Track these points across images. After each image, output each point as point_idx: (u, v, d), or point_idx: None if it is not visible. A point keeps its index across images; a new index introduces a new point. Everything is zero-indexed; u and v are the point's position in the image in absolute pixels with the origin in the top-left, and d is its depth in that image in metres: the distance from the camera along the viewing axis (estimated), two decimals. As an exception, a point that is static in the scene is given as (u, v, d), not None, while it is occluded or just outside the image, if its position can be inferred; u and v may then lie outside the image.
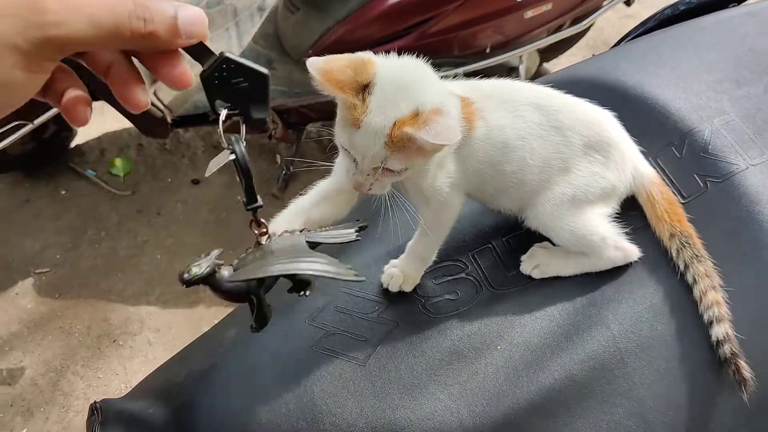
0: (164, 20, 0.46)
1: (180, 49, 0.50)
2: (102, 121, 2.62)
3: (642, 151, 0.86)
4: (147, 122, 2.18)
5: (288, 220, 0.82)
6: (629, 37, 1.21)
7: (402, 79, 0.69)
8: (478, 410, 0.75)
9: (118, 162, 2.47)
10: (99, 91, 2.15)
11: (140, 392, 0.86)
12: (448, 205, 0.82)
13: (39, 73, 0.44)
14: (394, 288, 0.85)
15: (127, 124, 2.31)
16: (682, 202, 0.86)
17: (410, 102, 0.68)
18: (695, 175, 0.87)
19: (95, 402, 0.83)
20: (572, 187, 0.81)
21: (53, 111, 2.15)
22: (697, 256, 0.79)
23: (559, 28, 2.21)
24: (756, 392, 0.73)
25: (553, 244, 0.85)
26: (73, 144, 2.53)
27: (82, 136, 2.56)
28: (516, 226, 0.89)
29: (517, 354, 0.79)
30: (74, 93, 0.52)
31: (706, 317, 0.77)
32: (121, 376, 1.94)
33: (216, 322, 0.97)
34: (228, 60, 0.52)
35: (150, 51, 0.49)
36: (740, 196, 0.84)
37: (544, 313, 0.82)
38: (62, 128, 2.38)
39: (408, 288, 0.85)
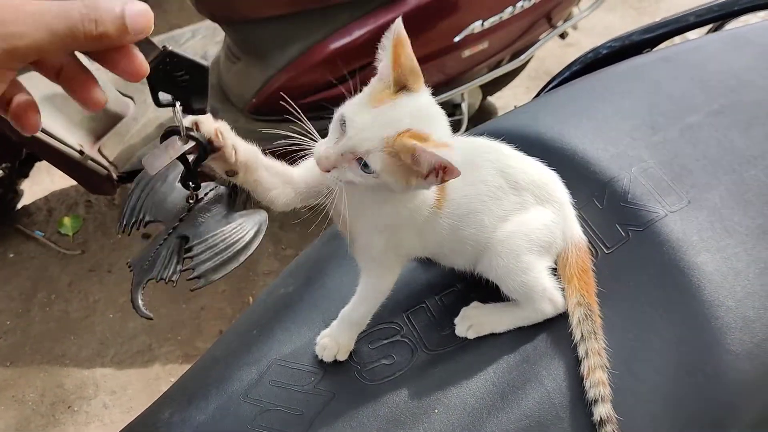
0: (113, 19, 0.49)
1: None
2: (49, 180, 2.58)
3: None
4: (93, 180, 2.16)
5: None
6: (553, 83, 1.24)
7: (431, 110, 0.70)
8: (418, 478, 0.75)
9: (67, 221, 2.43)
10: (41, 153, 2.12)
11: None
12: (392, 271, 0.83)
13: (0, 83, 0.47)
14: (328, 358, 0.84)
15: (74, 181, 2.28)
16: (606, 252, 0.87)
17: (429, 127, 0.68)
18: (617, 225, 0.88)
19: None
20: (527, 239, 0.82)
21: (-5, 175, 2.12)
22: (595, 332, 0.80)
23: (498, 64, 2.25)
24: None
25: (483, 302, 0.86)
26: (19, 205, 2.48)
27: (29, 196, 2.51)
28: (449, 283, 0.90)
29: (454, 417, 0.79)
30: (23, 98, 0.54)
31: (591, 394, 0.77)
32: (78, 444, 1.89)
33: (172, 380, 0.95)
34: (171, 54, 0.55)
35: (102, 49, 0.51)
36: (662, 243, 0.85)
37: (480, 372, 0.82)
38: (7, 191, 2.33)
39: (342, 357, 0.84)
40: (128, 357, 2.08)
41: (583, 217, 0.89)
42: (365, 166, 0.68)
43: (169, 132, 0.62)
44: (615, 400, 0.78)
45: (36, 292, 2.26)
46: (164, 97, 0.59)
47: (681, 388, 0.78)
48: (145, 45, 0.54)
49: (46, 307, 2.22)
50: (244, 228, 0.65)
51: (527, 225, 0.82)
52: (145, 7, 0.51)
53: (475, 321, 0.85)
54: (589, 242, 0.88)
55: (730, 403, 0.77)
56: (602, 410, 0.76)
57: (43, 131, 1.96)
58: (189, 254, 0.61)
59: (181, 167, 0.67)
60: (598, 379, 0.77)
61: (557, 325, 0.84)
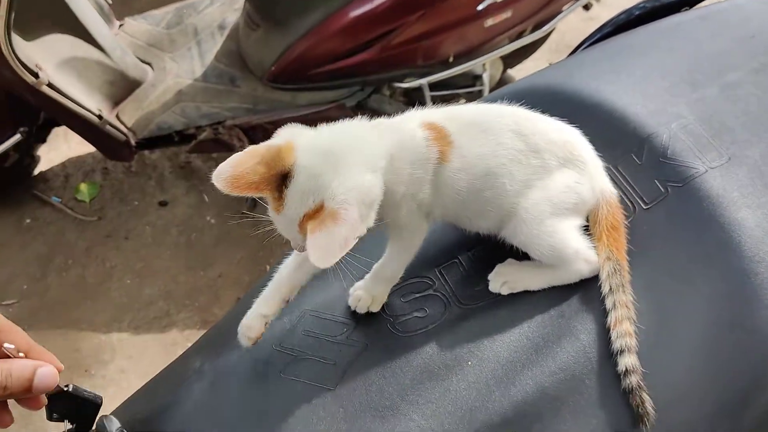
0: (21, 383, 0.61)
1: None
2: (66, 146, 2.58)
3: (602, 159, 0.86)
4: (111, 146, 2.16)
5: (267, 305, 0.83)
6: (585, 44, 1.22)
7: (318, 165, 0.69)
8: (451, 428, 0.75)
9: (84, 187, 2.43)
10: (60, 117, 2.12)
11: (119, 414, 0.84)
12: (419, 230, 0.83)
13: None
14: (362, 310, 0.84)
15: (91, 148, 2.27)
16: (644, 208, 0.86)
17: (318, 194, 0.67)
18: (656, 181, 0.87)
19: None
20: (550, 204, 0.81)
21: (14, 139, 2.11)
22: (623, 286, 0.80)
23: (520, 35, 2.22)
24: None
25: (518, 259, 0.85)
26: (36, 171, 2.48)
27: (46, 162, 2.51)
28: (481, 239, 0.89)
29: (487, 369, 0.78)
30: None
31: (617, 345, 0.77)
32: (95, 406, 1.90)
33: (190, 345, 0.96)
34: (68, 392, 0.70)
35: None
36: (701, 199, 0.84)
37: (513, 326, 0.81)
38: (24, 156, 2.33)
39: (375, 308, 0.84)
40: (145, 322, 2.08)
41: (621, 173, 0.88)
42: None
43: None
44: (652, 355, 0.77)
45: (53, 257, 2.27)
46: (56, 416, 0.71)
47: (719, 344, 0.78)
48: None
49: (63, 272, 2.23)
50: None
51: (550, 189, 0.81)
52: (52, 369, 0.65)
53: (509, 277, 0.84)
54: (627, 198, 0.87)
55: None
56: (627, 361, 0.75)
57: (63, 95, 1.95)
58: None
59: None
60: (624, 330, 0.77)
61: (593, 282, 0.83)
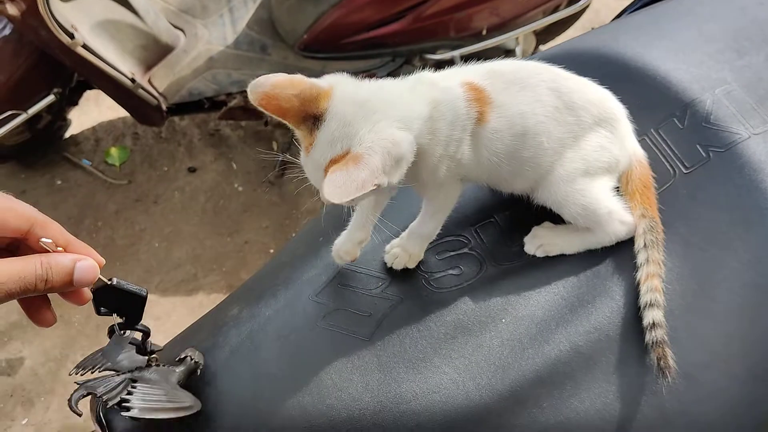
0: (62, 277, 0.60)
1: None
2: (97, 111, 2.60)
3: (645, 123, 0.86)
4: (142, 110, 2.17)
5: (361, 230, 0.85)
6: (630, 10, 1.21)
7: (351, 114, 0.69)
8: (483, 382, 0.75)
9: (114, 151, 2.46)
10: (93, 79, 2.14)
11: (145, 373, 0.86)
12: (454, 192, 0.83)
13: None
14: (398, 267, 0.84)
15: (122, 113, 2.30)
16: (685, 172, 0.85)
17: (346, 141, 0.68)
18: (698, 146, 0.86)
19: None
20: (583, 162, 0.81)
21: (48, 100, 2.14)
22: (657, 243, 0.80)
23: (555, 9, 2.20)
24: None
25: (554, 223, 0.85)
26: (67, 134, 2.51)
27: (77, 125, 2.54)
28: (518, 199, 0.89)
29: (521, 327, 0.79)
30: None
31: (645, 298, 0.77)
32: (122, 364, 1.94)
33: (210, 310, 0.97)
34: (113, 287, 0.70)
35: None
36: (743, 165, 0.83)
37: (548, 286, 0.81)
38: (57, 118, 2.36)
39: (411, 265, 0.84)
40: (173, 285, 2.11)
41: (663, 137, 0.88)
42: None
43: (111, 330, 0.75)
44: (687, 317, 0.77)
45: (83, 218, 2.30)
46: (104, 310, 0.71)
47: (755, 309, 0.77)
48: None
49: (93, 233, 2.26)
50: (184, 399, 0.76)
51: (584, 148, 0.81)
52: (93, 263, 0.63)
53: (545, 240, 0.84)
54: (668, 162, 0.86)
55: (806, 325, 0.76)
56: (655, 314, 0.76)
57: (98, 56, 1.97)
58: (132, 389, 0.72)
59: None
60: (654, 286, 0.77)
61: (629, 243, 0.82)
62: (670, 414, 0.74)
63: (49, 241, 0.61)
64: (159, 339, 1.91)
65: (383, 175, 0.67)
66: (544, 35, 2.38)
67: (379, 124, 0.69)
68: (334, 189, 0.64)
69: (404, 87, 0.76)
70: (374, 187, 0.65)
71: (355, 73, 2.30)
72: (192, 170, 2.41)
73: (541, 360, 0.76)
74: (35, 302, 0.65)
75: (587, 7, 2.26)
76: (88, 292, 0.67)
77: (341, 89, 0.71)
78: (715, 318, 0.78)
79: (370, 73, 2.13)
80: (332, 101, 0.69)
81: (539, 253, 0.84)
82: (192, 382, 0.79)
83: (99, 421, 0.79)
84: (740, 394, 0.75)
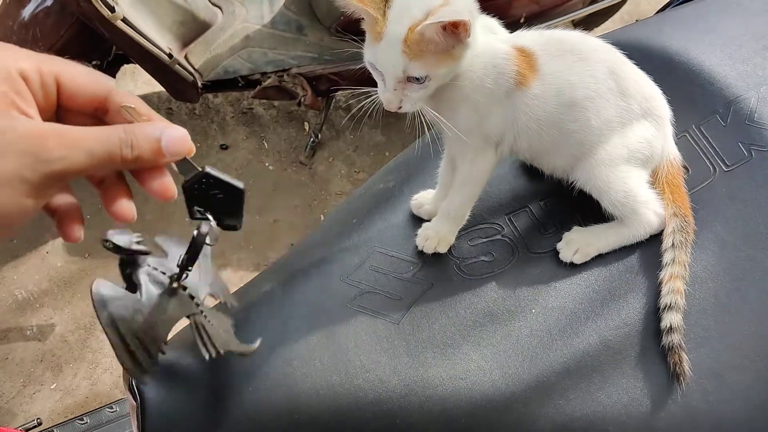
0: (150, 145, 0.52)
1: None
2: (133, 85, 2.63)
3: (687, 119, 0.85)
4: (178, 86, 2.19)
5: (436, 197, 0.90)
6: (674, 3, 1.19)
7: None
8: (511, 371, 0.76)
9: (148, 126, 2.48)
10: (131, 53, 2.15)
11: (176, 343, 0.87)
12: (484, 157, 0.82)
13: (45, 198, 0.50)
14: (429, 250, 0.85)
15: (157, 88, 2.31)
16: (725, 170, 0.84)
17: (423, 6, 0.70)
18: (740, 144, 0.85)
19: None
20: (627, 150, 0.81)
21: (86, 72, 2.16)
22: (686, 244, 0.79)
23: (595, 0, 2.17)
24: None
25: (583, 225, 0.85)
26: (103, 107, 2.54)
27: (113, 99, 2.57)
28: (553, 190, 0.89)
29: (551, 318, 0.79)
30: (66, 205, 0.58)
31: (666, 300, 0.77)
32: (149, 335, 1.97)
33: (242, 285, 0.98)
34: (208, 175, 0.58)
35: (138, 169, 0.55)
36: None
37: (580, 278, 0.81)
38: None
39: (442, 249, 0.85)
40: (201, 260, 2.14)
41: (704, 134, 0.87)
42: (416, 80, 0.73)
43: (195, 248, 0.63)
44: (718, 316, 0.77)
45: (116, 190, 2.33)
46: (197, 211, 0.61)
47: None
48: (184, 164, 0.56)
49: (125, 205, 2.29)
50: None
51: (628, 137, 0.81)
52: (184, 132, 0.54)
53: (581, 243, 0.83)
54: (708, 159, 0.85)
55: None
56: (673, 318, 0.76)
57: (137, 31, 1.98)
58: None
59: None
60: (677, 288, 0.77)
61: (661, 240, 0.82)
62: (697, 413, 0.74)
63: (132, 106, 0.54)
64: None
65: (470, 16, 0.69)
66: (582, 26, 2.35)
67: None
68: (440, 14, 0.67)
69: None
70: (464, 33, 0.69)
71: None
72: (224, 147, 2.43)
73: (570, 352, 0.76)
74: (114, 191, 0.58)
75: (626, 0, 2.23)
76: (173, 186, 0.57)
77: None
78: (747, 318, 0.77)
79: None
80: None
81: (577, 260, 0.83)
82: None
83: (131, 390, 0.80)
84: (767, 396, 0.75)
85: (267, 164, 2.37)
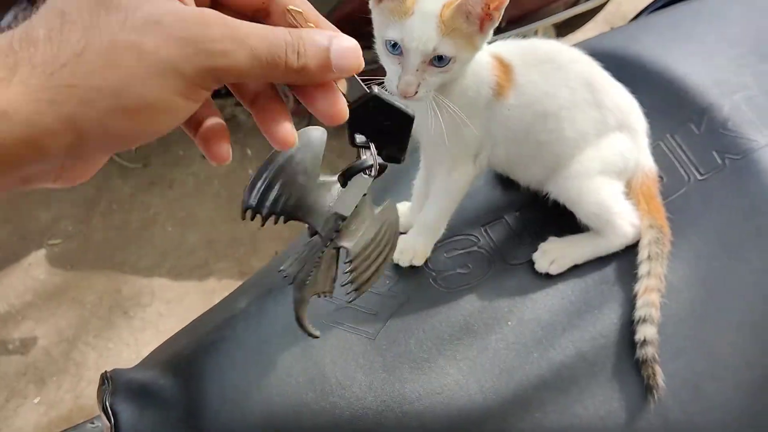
0: (317, 53, 0.44)
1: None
2: (114, 93, 2.61)
3: (661, 127, 0.85)
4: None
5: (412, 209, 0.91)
6: (649, 10, 1.19)
7: None
8: (488, 385, 0.75)
9: (131, 134, 2.47)
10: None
11: (150, 363, 0.86)
12: (461, 170, 0.82)
13: (194, 101, 0.42)
14: (404, 263, 0.84)
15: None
16: (699, 178, 0.84)
17: None
18: (714, 152, 0.85)
19: (106, 372, 0.84)
20: (601, 162, 0.81)
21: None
22: (662, 256, 0.79)
23: (576, 2, 2.17)
24: None
25: (561, 230, 0.85)
26: (85, 116, 2.53)
27: (95, 108, 2.55)
28: (529, 200, 0.88)
29: (527, 330, 0.78)
30: (213, 123, 0.49)
31: (640, 312, 0.76)
32: (132, 347, 1.96)
33: (227, 294, 0.98)
34: (376, 98, 0.51)
35: (301, 84, 0.47)
36: (759, 172, 0.82)
37: (556, 289, 0.81)
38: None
39: (418, 262, 0.84)
40: (185, 270, 2.12)
41: (678, 142, 0.87)
42: (439, 59, 0.69)
43: (350, 172, 0.55)
44: (696, 325, 0.77)
45: (98, 200, 2.32)
46: (360, 138, 0.54)
47: (764, 319, 0.77)
48: (350, 81, 0.50)
49: (108, 215, 2.28)
50: (387, 229, 0.59)
51: (603, 149, 0.81)
52: (355, 44, 0.46)
53: (557, 254, 0.83)
54: (682, 167, 0.85)
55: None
56: (648, 331, 0.75)
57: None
58: (349, 268, 0.56)
59: (313, 155, 0.61)
60: (652, 301, 0.76)
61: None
62: (674, 423, 0.74)
63: (299, 10, 0.47)
64: (170, 323, 1.92)
65: None
66: (563, 28, 2.35)
67: None
68: None
69: None
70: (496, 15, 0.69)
71: (374, 61, 2.28)
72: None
73: (546, 364, 0.76)
74: (272, 109, 0.49)
75: (608, 1, 2.23)
76: (345, 108, 0.48)
77: None
78: (724, 328, 0.77)
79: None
80: None
81: (553, 270, 0.82)
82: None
83: (105, 411, 0.80)
84: (745, 405, 0.75)
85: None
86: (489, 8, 0.67)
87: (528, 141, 0.80)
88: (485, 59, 0.77)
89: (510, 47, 0.81)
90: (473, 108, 0.77)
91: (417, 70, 0.70)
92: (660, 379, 0.73)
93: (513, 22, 2.08)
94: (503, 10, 0.69)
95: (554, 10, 2.12)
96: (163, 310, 2.05)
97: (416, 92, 0.71)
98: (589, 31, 2.48)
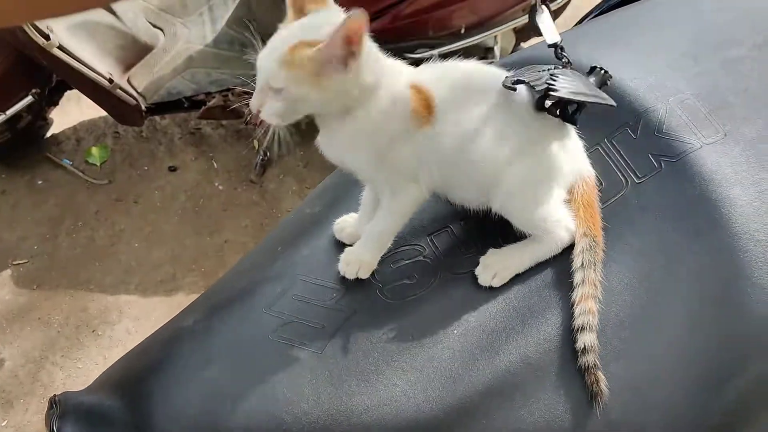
0: None
1: None
2: (78, 110, 2.59)
3: (598, 133, 0.86)
4: (121, 110, 2.17)
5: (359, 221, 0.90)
6: (592, 15, 1.20)
7: (332, 21, 0.72)
8: (434, 395, 0.76)
9: (95, 151, 2.45)
10: (71, 79, 2.12)
11: (99, 385, 0.86)
12: (404, 191, 0.83)
13: None
14: (351, 275, 0.84)
15: (103, 112, 2.29)
16: (637, 182, 0.86)
17: (318, 34, 0.71)
18: (650, 155, 0.86)
19: (54, 395, 0.83)
20: (533, 174, 0.81)
21: (27, 100, 2.13)
22: (595, 263, 0.80)
23: (535, 6, 2.19)
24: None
25: (499, 245, 0.85)
26: (48, 133, 2.51)
27: (58, 125, 2.53)
28: (473, 210, 0.89)
29: (473, 338, 0.79)
30: None
31: (578, 321, 0.77)
32: (101, 366, 1.94)
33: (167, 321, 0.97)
34: None
35: None
36: (694, 175, 0.83)
37: (500, 296, 0.82)
38: (37, 118, 2.35)
39: (364, 275, 0.84)
40: (152, 285, 2.11)
41: (616, 147, 0.88)
42: (278, 91, 0.74)
43: None
44: (637, 328, 0.78)
45: (63, 218, 2.30)
46: None
47: (705, 320, 0.78)
48: None
49: (73, 233, 2.26)
50: (603, 94, 0.79)
51: (534, 161, 0.81)
52: None
53: (498, 268, 0.83)
54: (620, 172, 0.86)
55: (753, 336, 0.77)
56: (587, 339, 0.76)
57: (74, 57, 1.96)
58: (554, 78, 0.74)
59: None
60: (588, 308, 0.77)
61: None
62: (617, 425, 0.75)
63: None
64: (138, 340, 1.91)
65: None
66: (524, 32, 2.37)
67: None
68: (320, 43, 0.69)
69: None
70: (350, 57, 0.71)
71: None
72: (172, 169, 2.41)
73: (492, 371, 0.77)
74: None
75: (567, 4, 2.26)
76: None
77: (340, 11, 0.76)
78: (664, 329, 0.78)
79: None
80: (326, 11, 0.75)
81: (496, 283, 0.82)
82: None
83: None
84: (686, 405, 0.76)
85: (217, 184, 2.35)
86: (349, 47, 0.70)
87: (459, 164, 0.81)
88: (401, 89, 0.78)
89: (430, 74, 0.82)
90: (391, 138, 0.78)
91: (261, 92, 0.75)
92: (603, 385, 0.74)
93: (472, 29, 2.10)
94: (364, 44, 0.71)
95: (512, 16, 2.15)
96: (132, 327, 2.04)
97: (259, 111, 0.76)
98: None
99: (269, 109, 0.75)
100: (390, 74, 0.79)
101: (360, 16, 0.68)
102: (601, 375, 0.74)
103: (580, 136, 0.86)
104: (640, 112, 0.89)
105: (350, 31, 0.69)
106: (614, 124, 0.88)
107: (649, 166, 0.86)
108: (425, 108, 0.78)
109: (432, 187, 0.84)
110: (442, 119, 0.78)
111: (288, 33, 0.74)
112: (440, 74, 0.81)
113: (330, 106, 0.77)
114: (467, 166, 0.81)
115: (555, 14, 2.33)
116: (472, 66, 0.84)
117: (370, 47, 0.75)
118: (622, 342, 0.78)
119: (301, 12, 0.76)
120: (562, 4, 2.21)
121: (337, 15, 0.75)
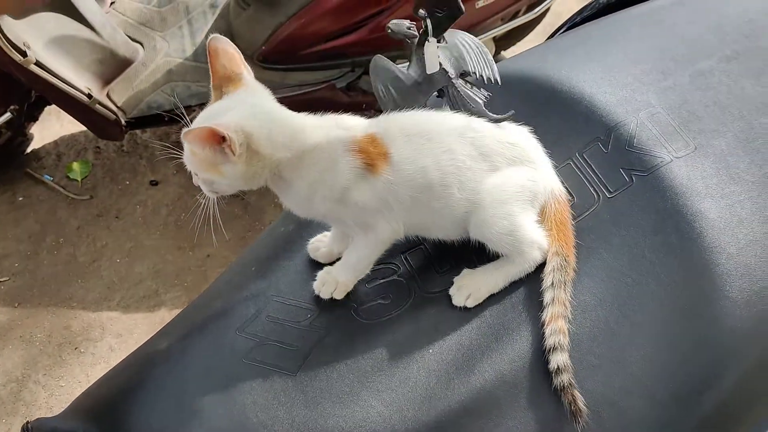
0: None
1: None
2: (58, 125, 2.58)
3: (569, 148, 0.86)
4: (100, 125, 2.15)
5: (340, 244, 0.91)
6: (565, 28, 1.21)
7: (233, 101, 0.78)
8: (410, 415, 0.75)
9: (76, 166, 2.44)
10: (49, 95, 2.11)
11: (73, 410, 0.85)
12: (375, 228, 0.83)
13: None
14: (325, 295, 0.84)
15: (83, 127, 2.27)
16: (609, 197, 0.86)
17: (225, 117, 0.76)
18: (621, 169, 0.87)
19: (27, 421, 0.82)
20: (502, 201, 0.82)
21: (5, 117, 2.11)
22: (565, 283, 0.80)
23: (515, 15, 2.20)
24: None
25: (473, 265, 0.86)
26: (29, 149, 2.48)
27: (38, 140, 2.51)
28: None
29: (448, 356, 0.79)
30: None
31: (550, 341, 0.77)
32: (84, 384, 1.92)
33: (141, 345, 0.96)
34: None
35: None
36: (665, 188, 0.84)
37: (475, 314, 0.82)
38: (17, 134, 2.33)
39: (339, 296, 0.84)
40: (134, 301, 2.10)
41: (587, 161, 0.88)
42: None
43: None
44: (610, 343, 0.78)
45: (44, 235, 2.28)
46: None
47: (677, 333, 0.78)
48: None
49: (54, 250, 2.24)
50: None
51: (500, 189, 0.82)
52: None
53: (472, 288, 0.83)
54: (592, 186, 0.87)
55: (726, 349, 0.77)
56: (559, 359, 0.76)
57: (52, 73, 1.95)
58: None
59: None
60: (559, 328, 0.77)
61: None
62: (593, 440, 0.75)
63: None
64: (121, 356, 1.89)
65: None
66: (504, 41, 2.38)
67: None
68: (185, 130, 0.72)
69: (312, 119, 0.82)
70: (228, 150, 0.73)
71: (315, 84, 2.28)
72: (154, 183, 2.39)
73: (467, 389, 0.76)
74: None
75: (547, 11, 2.27)
76: None
77: (254, 89, 0.81)
78: (637, 343, 0.78)
79: (329, 83, 2.11)
80: (237, 91, 0.79)
81: (470, 304, 0.83)
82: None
83: None
84: (662, 418, 0.76)
85: (198, 197, 2.34)
86: (212, 146, 0.73)
87: (421, 209, 0.82)
88: (343, 142, 0.79)
89: (387, 123, 0.83)
90: (336, 190, 0.79)
91: (196, 174, 0.81)
92: (581, 403, 0.74)
93: (451, 38, 2.10)
94: (238, 147, 0.73)
95: (492, 25, 2.15)
96: (114, 344, 2.02)
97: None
98: (529, 42, 2.52)
99: (202, 182, 0.81)
100: (319, 135, 0.79)
101: (202, 129, 0.72)
102: (577, 393, 0.74)
103: (550, 151, 0.86)
104: (611, 126, 0.89)
105: (199, 138, 0.73)
106: (586, 139, 0.89)
107: (620, 180, 0.86)
108: (378, 154, 0.79)
109: (407, 226, 0.84)
110: (396, 168, 0.79)
111: (202, 116, 0.78)
112: (397, 124, 0.83)
113: (249, 183, 0.80)
114: (432, 210, 0.82)
115: (533, 23, 2.34)
116: (421, 115, 0.85)
117: (260, 129, 0.76)
118: (596, 357, 0.78)
119: (221, 92, 0.79)
120: (540, 12, 2.21)
121: (251, 95, 0.80)
